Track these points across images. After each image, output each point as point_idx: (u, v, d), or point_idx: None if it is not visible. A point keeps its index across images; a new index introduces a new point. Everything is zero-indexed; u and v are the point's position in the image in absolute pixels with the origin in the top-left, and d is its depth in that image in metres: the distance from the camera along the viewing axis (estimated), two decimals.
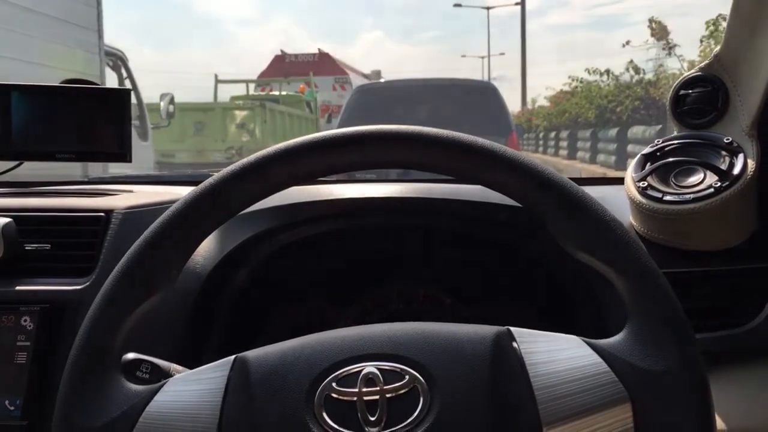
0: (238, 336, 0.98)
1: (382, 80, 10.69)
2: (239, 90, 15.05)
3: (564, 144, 18.96)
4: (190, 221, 0.59)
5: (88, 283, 0.90)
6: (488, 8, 38.43)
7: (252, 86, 16.21)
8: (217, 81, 14.40)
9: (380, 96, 6.88)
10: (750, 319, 0.86)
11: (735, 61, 0.87)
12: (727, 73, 0.89)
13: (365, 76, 23.29)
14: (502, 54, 57.39)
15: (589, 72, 16.45)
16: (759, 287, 0.88)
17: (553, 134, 20.56)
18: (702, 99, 0.91)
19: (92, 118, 1.14)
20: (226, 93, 14.77)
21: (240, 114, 11.33)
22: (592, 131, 16.14)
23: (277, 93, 14.91)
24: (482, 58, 46.30)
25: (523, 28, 24.39)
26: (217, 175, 0.60)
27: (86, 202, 1.00)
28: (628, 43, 14.44)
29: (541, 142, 22.54)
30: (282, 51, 20.34)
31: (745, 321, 0.86)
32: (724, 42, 0.88)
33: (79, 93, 1.14)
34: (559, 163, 16.69)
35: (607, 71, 16.07)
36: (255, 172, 0.59)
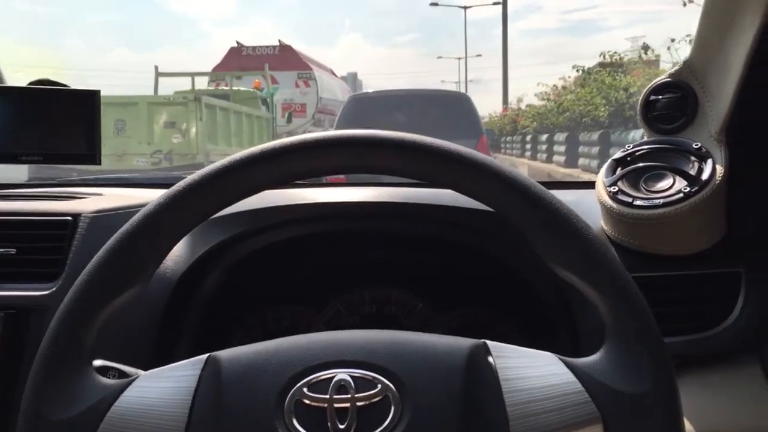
0: (209, 341, 0.97)
1: (369, 90, 10.76)
2: (188, 86, 13.09)
3: (561, 149, 14.60)
4: (168, 219, 0.58)
5: (54, 289, 0.88)
6: (465, 8, 38.34)
7: (205, 81, 14.39)
8: (158, 74, 12.28)
9: (371, 104, 8.02)
10: (719, 323, 0.87)
11: (704, 68, 0.88)
12: (697, 80, 0.90)
13: (337, 74, 21.48)
14: (479, 56, 57.80)
15: (604, 57, 12.28)
16: (727, 291, 0.89)
17: (544, 137, 16.21)
18: (672, 105, 0.92)
19: (60, 119, 1.11)
20: (171, 88, 12.72)
21: (170, 110, 9.26)
22: (601, 133, 12.67)
23: (228, 89, 13.12)
24: (459, 59, 46.63)
25: (504, 25, 22.15)
26: (196, 174, 0.59)
27: (53, 205, 0.98)
28: None
29: (528, 146, 18.14)
30: (238, 42, 17.50)
31: (714, 324, 0.87)
32: (693, 49, 0.89)
33: (46, 94, 1.12)
34: (556, 172, 13.09)
35: (645, 48, 11.83)
36: (234, 172, 0.58)
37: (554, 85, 15.02)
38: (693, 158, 0.89)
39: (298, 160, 0.59)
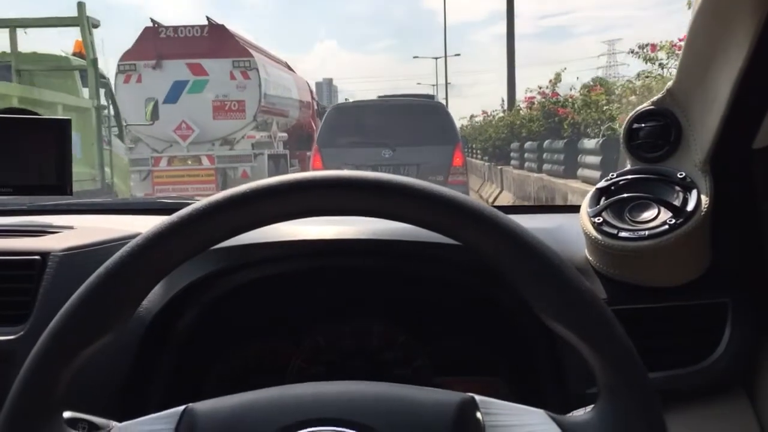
0: (184, 379, 0.94)
1: (349, 99, 10.68)
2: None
3: None
4: (142, 264, 0.55)
5: (22, 333, 0.84)
6: None
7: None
8: None
9: (353, 114, 8.39)
10: (706, 356, 0.86)
11: (687, 97, 0.87)
12: (680, 108, 0.89)
13: (305, 77, 16.00)
14: (458, 55, 57.02)
15: None
16: (713, 323, 0.87)
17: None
18: (655, 133, 0.91)
19: (30, 149, 1.08)
20: None
21: None
22: None
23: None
24: (436, 59, 45.93)
25: (510, 11, 15.93)
26: (175, 215, 0.56)
27: (21, 243, 0.94)
28: None
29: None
30: (153, 21, 11.99)
31: (701, 358, 0.86)
32: (676, 77, 0.88)
33: (15, 123, 1.09)
34: None
35: None
36: (226, 209, 0.56)
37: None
38: (677, 188, 0.87)
39: (288, 202, 0.56)
